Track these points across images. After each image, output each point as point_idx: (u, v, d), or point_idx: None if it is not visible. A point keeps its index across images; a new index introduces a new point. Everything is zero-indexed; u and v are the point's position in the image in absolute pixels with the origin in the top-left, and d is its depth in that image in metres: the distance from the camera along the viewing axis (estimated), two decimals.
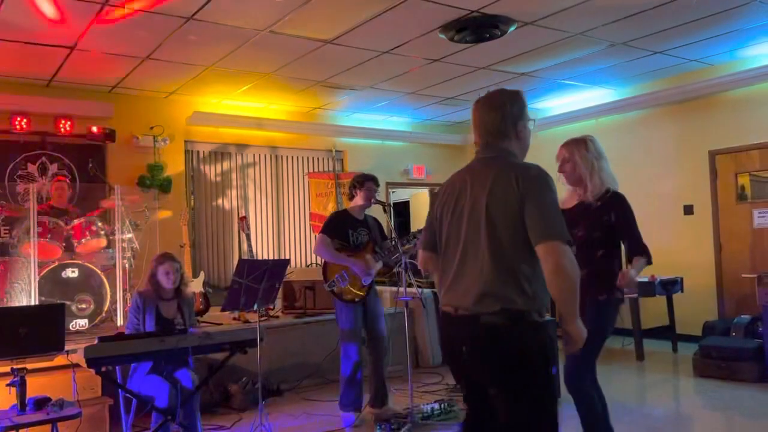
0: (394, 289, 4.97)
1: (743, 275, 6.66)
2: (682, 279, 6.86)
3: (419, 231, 4.40)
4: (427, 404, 4.66)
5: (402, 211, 10.60)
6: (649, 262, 3.15)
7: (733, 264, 7.01)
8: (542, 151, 3.93)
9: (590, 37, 5.88)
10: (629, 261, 3.18)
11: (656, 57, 6.59)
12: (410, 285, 4.37)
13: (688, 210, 7.40)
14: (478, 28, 5.34)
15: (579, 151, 3.20)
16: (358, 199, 4.72)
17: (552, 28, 5.57)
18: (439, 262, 2.40)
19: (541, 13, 5.24)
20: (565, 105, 8.48)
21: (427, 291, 6.40)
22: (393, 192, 9.94)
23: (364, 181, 4.71)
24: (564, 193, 3.28)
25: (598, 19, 5.43)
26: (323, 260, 4.74)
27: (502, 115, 2.29)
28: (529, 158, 3.35)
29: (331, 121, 8.83)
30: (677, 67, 7.02)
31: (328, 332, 5.76)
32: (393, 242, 4.51)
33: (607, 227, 3.13)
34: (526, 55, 6.38)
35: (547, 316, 2.27)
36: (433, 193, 2.93)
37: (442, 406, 4.64)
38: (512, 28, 5.45)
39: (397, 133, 9.37)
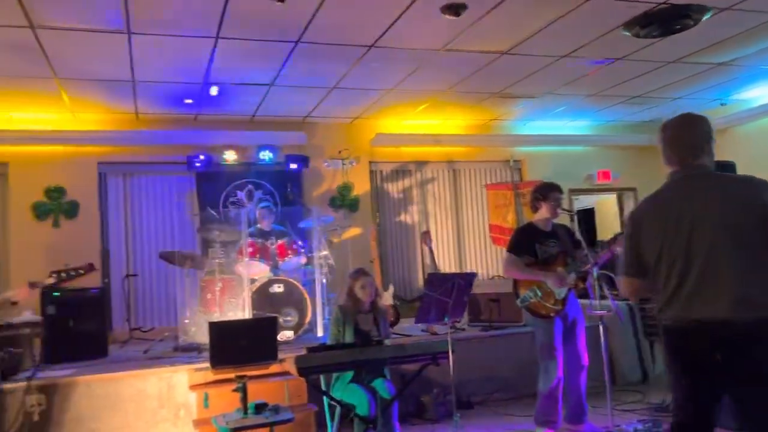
0: (586, 302, 4.74)
1: None
2: None
3: (618, 235, 4.14)
4: (629, 423, 4.39)
5: (586, 218, 10.13)
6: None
7: None
8: (744, 146, 3.55)
9: None
10: None
11: None
12: (604, 297, 4.13)
13: None
14: (666, 21, 5.00)
15: None
16: (544, 212, 4.48)
17: (754, 10, 5.03)
18: (647, 284, 2.52)
19: None
20: None
21: (622, 304, 6.03)
22: (576, 199, 9.56)
23: (549, 192, 4.47)
24: None
25: None
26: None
27: (700, 133, 2.49)
28: (730, 153, 3.10)
29: (508, 131, 8.76)
30: None
31: (515, 345, 5.68)
32: (584, 252, 4.29)
33: None
34: (723, 44, 5.81)
35: None
36: (633, 217, 2.73)
37: (646, 426, 4.34)
38: (707, 16, 5.01)
39: (577, 137, 9.04)
